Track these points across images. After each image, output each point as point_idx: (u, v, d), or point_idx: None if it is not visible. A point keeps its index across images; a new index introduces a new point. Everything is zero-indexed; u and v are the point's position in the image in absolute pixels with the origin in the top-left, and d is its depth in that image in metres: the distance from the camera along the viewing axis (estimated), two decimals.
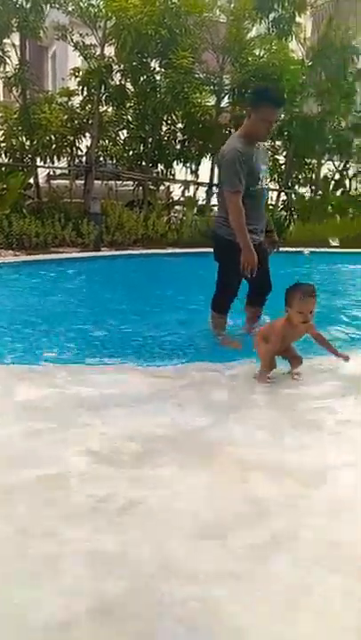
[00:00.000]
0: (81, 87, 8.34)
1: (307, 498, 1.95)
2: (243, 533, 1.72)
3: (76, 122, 8.32)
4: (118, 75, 8.44)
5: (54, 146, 8.25)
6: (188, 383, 2.97)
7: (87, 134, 8.46)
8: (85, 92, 8.35)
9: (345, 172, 10.61)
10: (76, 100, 8.48)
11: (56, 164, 8.64)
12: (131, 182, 9.02)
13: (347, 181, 10.68)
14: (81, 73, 8.33)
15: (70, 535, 1.68)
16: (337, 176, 10.54)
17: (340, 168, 10.54)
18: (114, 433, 2.35)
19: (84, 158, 8.71)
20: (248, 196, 3.31)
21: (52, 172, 8.91)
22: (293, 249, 6.95)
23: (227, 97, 9.09)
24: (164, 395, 2.80)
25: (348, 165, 10.60)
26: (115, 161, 8.91)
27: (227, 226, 3.38)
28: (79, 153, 8.69)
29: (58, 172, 8.97)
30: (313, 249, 7.62)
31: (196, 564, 1.58)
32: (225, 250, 3.46)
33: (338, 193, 10.51)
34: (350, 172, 10.71)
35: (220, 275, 3.59)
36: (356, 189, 10.81)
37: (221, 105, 8.99)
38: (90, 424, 2.43)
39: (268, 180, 3.32)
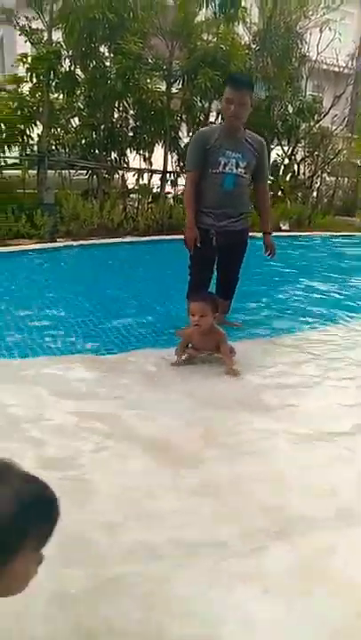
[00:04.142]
0: (29, 74, 8.06)
1: None
2: None
3: (25, 110, 8.10)
4: (67, 61, 8.23)
5: (4, 135, 8.03)
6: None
7: (38, 122, 8.25)
8: (35, 79, 8.07)
9: (293, 157, 10.85)
10: (26, 88, 8.23)
11: (7, 153, 8.38)
12: (85, 171, 8.89)
13: (295, 166, 10.94)
14: (29, 59, 8.04)
15: None
16: (286, 161, 10.78)
17: (288, 153, 10.77)
18: None
19: (35, 147, 8.49)
20: (204, 178, 3.33)
21: (3, 162, 8.64)
22: None
23: (177, 82, 9.09)
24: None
25: (295, 150, 10.84)
26: (67, 149, 8.74)
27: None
28: (30, 142, 8.46)
29: (9, 161, 8.70)
30: None
31: None
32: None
33: (287, 177, 10.77)
34: (298, 157, 10.96)
35: None
36: (303, 174, 11.10)
37: (172, 91, 8.97)
38: None
39: (242, 169, 3.37)
